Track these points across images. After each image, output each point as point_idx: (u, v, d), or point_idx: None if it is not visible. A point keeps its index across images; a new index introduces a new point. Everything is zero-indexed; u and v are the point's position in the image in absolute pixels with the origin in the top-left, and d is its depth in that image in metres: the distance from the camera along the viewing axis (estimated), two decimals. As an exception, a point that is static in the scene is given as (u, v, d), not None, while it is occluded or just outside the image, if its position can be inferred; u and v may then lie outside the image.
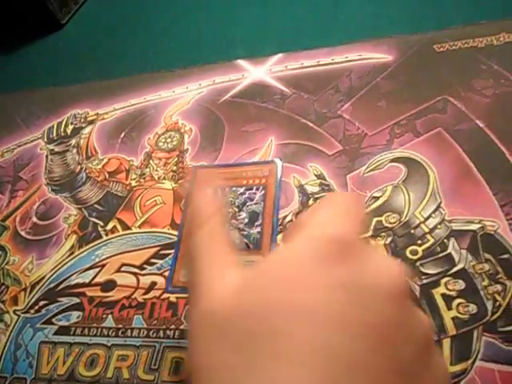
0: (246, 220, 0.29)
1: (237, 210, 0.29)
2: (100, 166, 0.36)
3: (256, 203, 0.29)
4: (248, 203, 0.29)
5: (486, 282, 0.24)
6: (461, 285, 0.24)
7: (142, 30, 0.47)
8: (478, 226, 0.26)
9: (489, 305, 0.23)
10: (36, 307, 0.30)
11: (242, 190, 0.30)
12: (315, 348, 0.13)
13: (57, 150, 0.38)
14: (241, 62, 0.39)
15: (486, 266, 0.24)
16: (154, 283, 0.29)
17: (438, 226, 0.26)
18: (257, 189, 0.30)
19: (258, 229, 0.28)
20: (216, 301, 0.15)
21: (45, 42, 0.49)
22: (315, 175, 0.30)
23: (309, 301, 0.14)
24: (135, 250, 0.31)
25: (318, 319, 0.14)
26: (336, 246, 0.15)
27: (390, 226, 0.27)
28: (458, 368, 0.22)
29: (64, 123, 0.40)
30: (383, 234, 0.27)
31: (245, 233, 0.28)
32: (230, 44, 0.42)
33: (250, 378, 0.13)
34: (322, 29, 0.40)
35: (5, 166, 0.39)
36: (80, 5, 0.51)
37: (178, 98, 0.38)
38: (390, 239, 0.27)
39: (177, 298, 0.28)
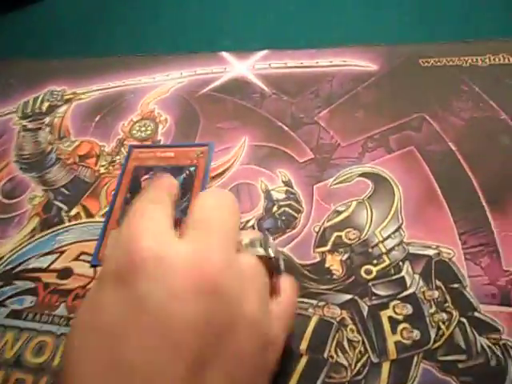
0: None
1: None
2: (71, 149, 0.35)
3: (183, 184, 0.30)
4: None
5: (432, 310, 0.24)
6: (408, 310, 0.24)
7: (130, 9, 0.46)
8: (434, 251, 0.26)
9: (432, 332, 0.23)
10: (-9, 288, 0.30)
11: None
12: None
13: (30, 126, 0.38)
14: (225, 54, 0.38)
15: (436, 294, 0.24)
16: (110, 275, 0.28)
17: (396, 248, 0.26)
18: (187, 169, 0.31)
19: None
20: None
21: (28, 12, 0.47)
22: (283, 182, 0.30)
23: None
24: (96, 240, 0.30)
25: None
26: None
27: (348, 242, 0.27)
28: (393, 392, 0.22)
29: (40, 99, 0.39)
30: (341, 249, 0.27)
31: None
32: (218, 34, 0.41)
33: None
34: (310, 28, 0.39)
35: (-25, 138, 0.38)
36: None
37: (158, 85, 0.38)
38: (346, 256, 0.27)
39: (130, 293, 0.27)
